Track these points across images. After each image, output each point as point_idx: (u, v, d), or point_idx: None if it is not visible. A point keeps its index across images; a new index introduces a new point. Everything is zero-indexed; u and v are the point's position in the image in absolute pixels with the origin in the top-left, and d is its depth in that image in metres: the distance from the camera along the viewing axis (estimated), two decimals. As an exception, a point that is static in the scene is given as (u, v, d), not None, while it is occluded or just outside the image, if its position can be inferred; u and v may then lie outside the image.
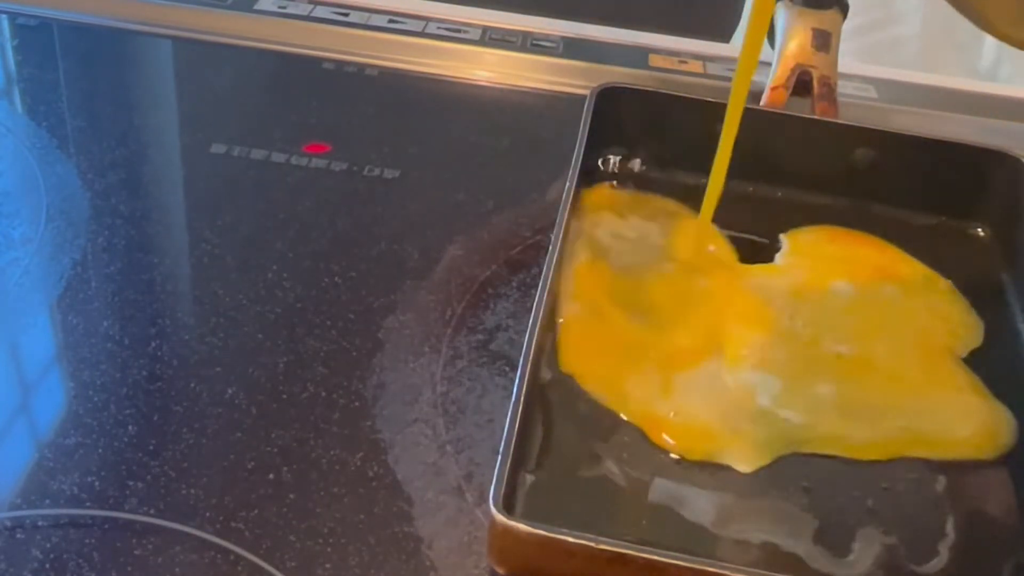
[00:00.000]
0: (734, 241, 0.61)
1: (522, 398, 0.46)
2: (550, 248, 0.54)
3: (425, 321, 0.56)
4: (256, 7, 0.77)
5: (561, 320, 0.54)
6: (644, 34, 0.80)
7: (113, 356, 0.52)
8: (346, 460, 0.48)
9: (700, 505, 0.47)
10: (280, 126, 0.69)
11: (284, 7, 0.78)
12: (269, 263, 0.58)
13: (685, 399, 0.52)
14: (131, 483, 0.47)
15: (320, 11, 0.78)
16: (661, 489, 0.48)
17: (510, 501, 0.44)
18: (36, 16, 0.76)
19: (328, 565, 0.44)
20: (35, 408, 0.51)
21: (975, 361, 0.56)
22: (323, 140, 0.67)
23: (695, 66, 0.77)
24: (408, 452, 0.49)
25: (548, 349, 0.53)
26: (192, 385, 0.51)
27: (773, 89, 0.67)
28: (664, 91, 0.66)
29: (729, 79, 0.74)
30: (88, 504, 0.46)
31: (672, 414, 0.51)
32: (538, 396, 0.51)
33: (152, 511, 0.46)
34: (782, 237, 0.62)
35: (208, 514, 0.46)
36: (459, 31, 0.78)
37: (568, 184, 0.57)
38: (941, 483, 0.50)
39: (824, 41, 0.67)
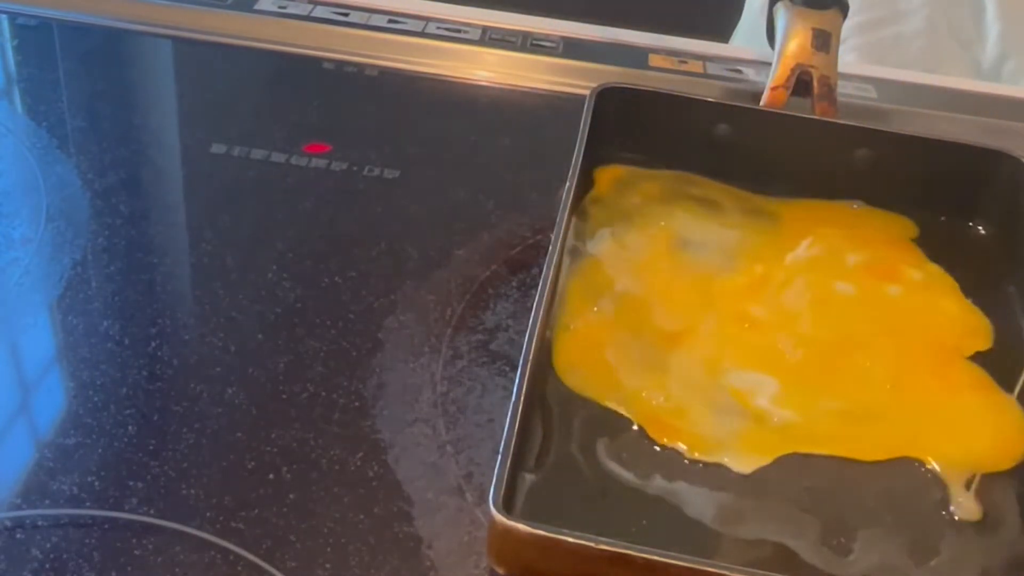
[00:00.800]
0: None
1: (522, 398, 0.46)
2: (550, 248, 0.54)
3: (425, 321, 0.56)
4: (256, 7, 0.77)
5: (551, 332, 0.54)
6: (644, 34, 0.80)
7: (113, 356, 0.52)
8: (346, 460, 0.48)
9: (700, 505, 0.47)
10: (280, 126, 0.69)
11: (284, 7, 0.78)
12: (269, 263, 0.58)
13: (685, 399, 0.52)
14: (131, 483, 0.47)
15: (320, 11, 0.78)
16: (661, 489, 0.48)
17: (510, 501, 0.44)
18: (36, 16, 0.76)
19: (328, 565, 0.44)
20: (35, 408, 0.51)
21: (978, 360, 0.55)
22: (323, 140, 0.67)
23: (695, 66, 0.77)
24: (408, 452, 0.49)
25: (547, 351, 0.53)
26: (192, 385, 0.51)
27: (773, 89, 0.67)
28: (664, 91, 0.66)
29: (729, 79, 0.75)
30: (88, 504, 0.46)
31: (672, 414, 0.51)
32: (538, 396, 0.50)
33: (152, 511, 0.46)
34: (783, 237, 0.62)
35: (208, 514, 0.46)
36: (459, 31, 0.78)
37: (568, 184, 0.57)
38: (941, 483, 0.50)
39: (824, 41, 0.67)
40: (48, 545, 0.44)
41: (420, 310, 0.56)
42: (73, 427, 0.49)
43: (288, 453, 0.49)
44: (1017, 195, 0.62)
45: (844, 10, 0.69)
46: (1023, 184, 0.61)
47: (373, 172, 0.65)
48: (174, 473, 0.47)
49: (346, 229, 0.62)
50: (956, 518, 0.48)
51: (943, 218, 0.64)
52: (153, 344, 0.53)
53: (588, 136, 0.60)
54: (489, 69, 0.76)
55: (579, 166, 0.59)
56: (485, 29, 0.78)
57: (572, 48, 0.77)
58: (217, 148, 0.66)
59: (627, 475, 0.48)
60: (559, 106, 0.73)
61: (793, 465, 0.50)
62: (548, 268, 0.52)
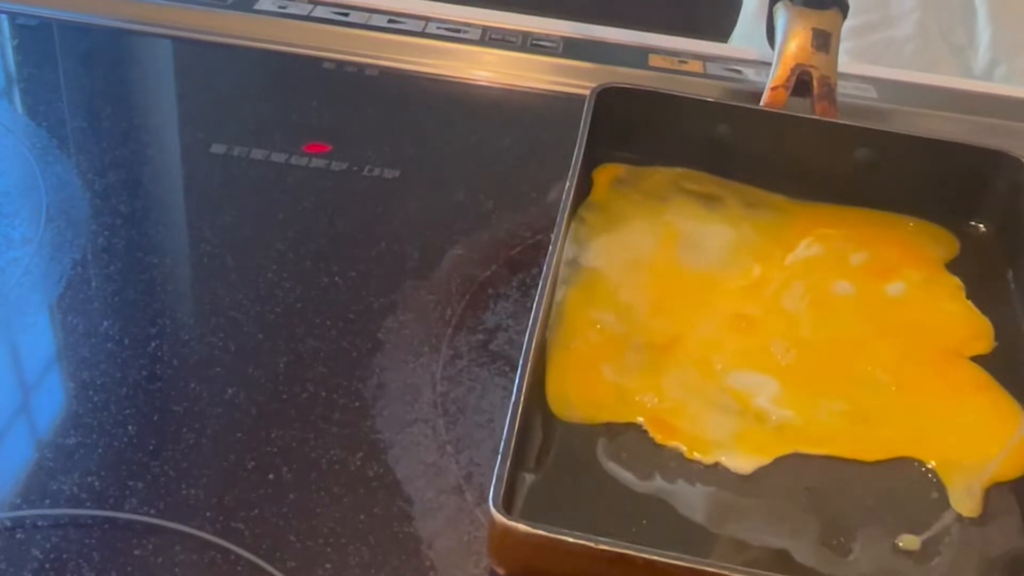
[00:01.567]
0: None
1: (522, 398, 0.46)
2: (550, 248, 0.54)
3: (425, 321, 0.56)
4: (256, 7, 0.77)
5: (548, 349, 0.53)
6: (644, 34, 0.80)
7: (113, 356, 0.52)
8: (346, 460, 0.48)
9: (700, 505, 0.47)
10: (280, 126, 0.69)
11: (284, 7, 0.78)
12: (269, 263, 0.58)
13: (685, 400, 0.52)
14: (131, 483, 0.47)
15: (320, 11, 0.78)
16: (661, 489, 0.48)
17: (510, 501, 0.44)
18: (36, 16, 0.76)
19: (328, 565, 0.44)
20: (35, 408, 0.51)
21: (979, 361, 0.55)
22: (323, 140, 0.67)
23: (695, 66, 0.77)
24: (408, 452, 0.49)
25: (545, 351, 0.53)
26: (192, 385, 0.51)
27: (773, 89, 0.67)
28: (664, 91, 0.66)
29: (729, 79, 0.75)
30: (88, 504, 0.46)
31: (672, 415, 0.51)
32: (538, 396, 0.50)
33: (152, 511, 0.46)
34: (784, 236, 0.62)
35: (208, 514, 0.46)
36: (459, 31, 0.78)
37: (568, 184, 0.57)
38: (941, 483, 0.50)
39: (824, 41, 0.67)
40: (48, 545, 0.44)
41: (420, 310, 0.56)
42: (73, 427, 0.49)
43: (288, 453, 0.49)
44: (1017, 195, 0.62)
45: (844, 10, 0.69)
46: (1023, 184, 0.61)
47: (373, 172, 0.65)
48: (174, 473, 0.47)
49: (346, 229, 0.62)
50: (956, 518, 0.48)
51: (943, 218, 0.64)
52: (153, 344, 0.53)
53: (588, 136, 0.60)
54: (489, 69, 0.76)
55: (579, 166, 0.59)
56: (485, 29, 0.78)
57: (572, 48, 0.77)
58: (217, 148, 0.66)
59: (627, 475, 0.48)
60: (559, 106, 0.73)
61: (793, 465, 0.50)
62: (548, 268, 0.52)
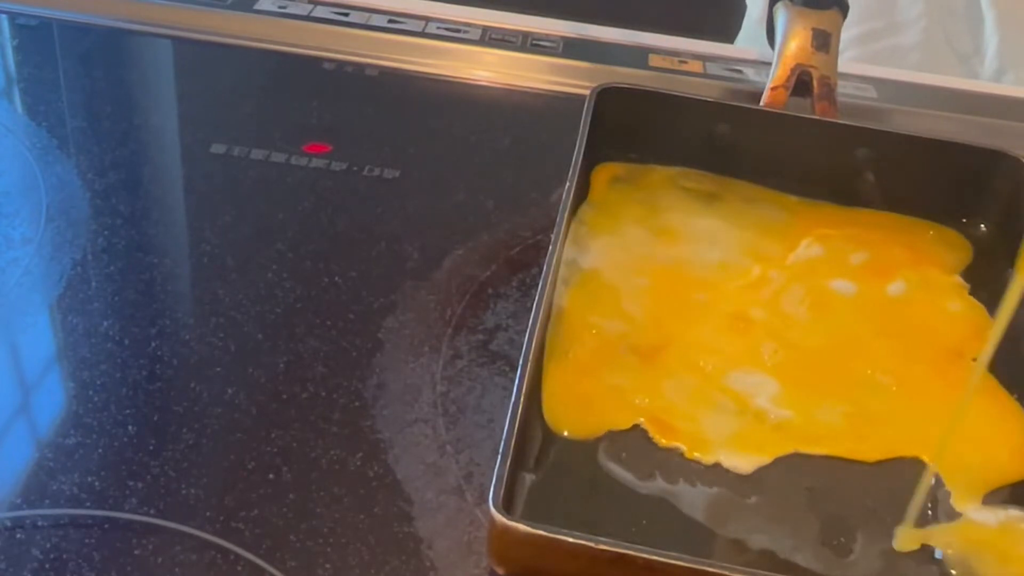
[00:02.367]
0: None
1: (522, 398, 0.46)
2: (550, 248, 0.54)
3: (425, 321, 0.56)
4: (256, 7, 0.77)
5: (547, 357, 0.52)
6: (644, 34, 0.80)
7: (113, 356, 0.52)
8: (346, 460, 0.48)
9: (700, 505, 0.47)
10: (280, 126, 0.69)
11: (284, 7, 0.78)
12: (269, 263, 0.58)
13: (685, 400, 0.52)
14: (131, 483, 0.47)
15: (320, 11, 0.78)
16: (661, 489, 0.48)
17: (510, 501, 0.44)
18: (36, 16, 0.76)
19: (328, 565, 0.44)
20: (35, 408, 0.51)
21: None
22: (323, 140, 0.67)
23: (695, 66, 0.77)
24: (408, 452, 0.49)
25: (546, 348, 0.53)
26: (192, 385, 0.51)
27: (773, 89, 0.67)
28: (664, 91, 0.66)
29: (729, 79, 0.75)
30: (88, 504, 0.46)
31: (672, 415, 0.51)
32: (538, 397, 0.50)
33: (152, 511, 0.46)
34: (784, 236, 0.62)
35: (208, 514, 0.46)
36: (459, 31, 0.78)
37: (568, 184, 0.57)
38: (942, 482, 0.50)
39: (824, 41, 0.67)
40: (48, 545, 0.44)
41: (420, 310, 0.56)
42: (73, 427, 0.49)
43: (288, 453, 0.49)
44: (1017, 195, 0.62)
45: (844, 10, 0.69)
46: (1023, 184, 0.61)
47: (373, 172, 0.65)
48: (174, 473, 0.47)
49: (346, 229, 0.62)
50: (956, 518, 0.48)
51: (943, 218, 0.64)
52: (153, 344, 0.53)
53: (588, 136, 0.60)
54: (489, 69, 0.76)
55: (579, 166, 0.59)
56: (485, 29, 0.78)
57: (572, 48, 0.77)
58: (217, 148, 0.66)
59: (627, 475, 0.48)
60: (559, 106, 0.73)
61: (793, 465, 0.50)
62: (548, 268, 0.52)
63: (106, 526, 0.45)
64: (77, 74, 0.73)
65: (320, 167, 0.65)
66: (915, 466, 0.50)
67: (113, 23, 0.76)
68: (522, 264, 0.60)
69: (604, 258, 0.58)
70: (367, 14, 0.78)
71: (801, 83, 0.67)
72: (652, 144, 0.65)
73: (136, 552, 0.44)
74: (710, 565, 0.41)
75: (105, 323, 0.54)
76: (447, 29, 0.77)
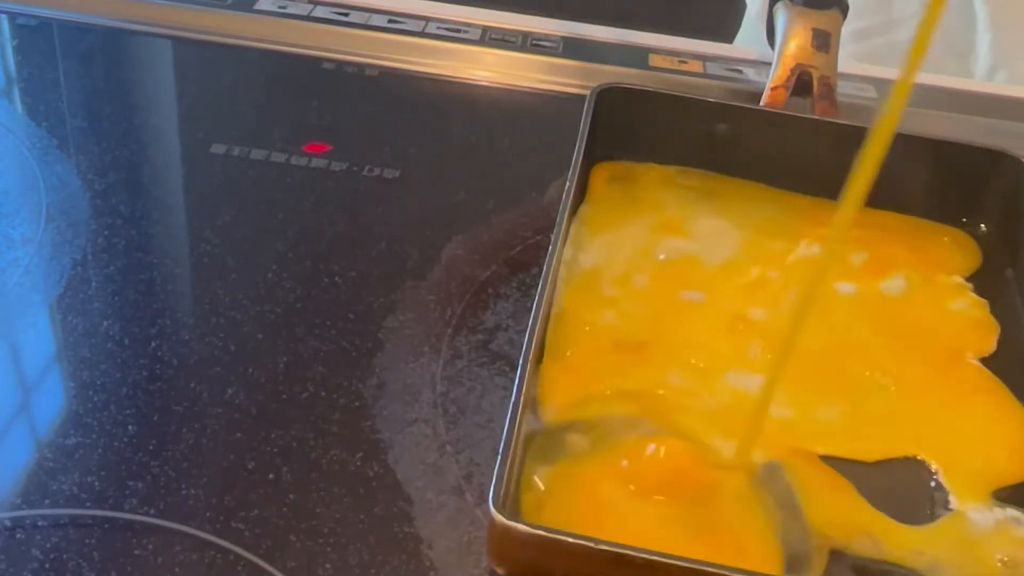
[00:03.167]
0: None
1: (522, 398, 0.46)
2: (550, 248, 0.54)
3: (425, 321, 0.56)
4: (256, 7, 0.77)
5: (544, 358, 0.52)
6: (644, 34, 0.80)
7: (113, 356, 0.52)
8: (346, 460, 0.48)
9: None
10: (280, 126, 0.69)
11: (284, 7, 0.78)
12: (269, 263, 0.58)
13: (684, 399, 0.52)
14: (131, 483, 0.47)
15: (320, 11, 0.78)
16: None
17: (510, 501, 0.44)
18: (36, 16, 0.76)
19: (328, 565, 0.44)
20: (35, 408, 0.51)
21: (982, 361, 0.55)
22: (323, 140, 0.67)
23: (695, 66, 0.77)
24: (408, 452, 0.49)
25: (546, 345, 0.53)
26: (192, 385, 0.51)
27: (773, 89, 0.67)
28: (664, 91, 0.66)
29: (729, 79, 0.75)
30: (88, 504, 0.46)
31: (671, 414, 0.51)
32: (538, 396, 0.50)
33: (152, 511, 0.46)
34: (783, 235, 0.61)
35: (208, 514, 0.46)
36: (459, 31, 0.78)
37: (568, 184, 0.57)
38: (942, 482, 0.50)
39: (824, 41, 0.67)
40: (48, 545, 0.44)
41: (420, 310, 0.56)
42: (73, 427, 0.49)
43: (288, 453, 0.49)
44: (1017, 195, 0.62)
45: (844, 10, 0.69)
46: (1023, 184, 0.61)
47: (373, 172, 0.65)
48: (174, 473, 0.47)
49: (346, 229, 0.62)
50: (957, 518, 0.48)
51: (943, 218, 0.64)
52: (153, 344, 0.53)
53: (588, 136, 0.61)
54: (489, 69, 0.76)
55: (579, 166, 0.59)
56: (485, 29, 0.78)
57: (572, 48, 0.77)
58: (217, 148, 0.66)
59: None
60: (559, 106, 0.73)
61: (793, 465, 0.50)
62: (548, 268, 0.52)
63: (106, 526, 0.45)
64: (77, 74, 0.73)
65: (320, 167, 0.65)
66: (915, 466, 0.50)
67: (113, 23, 0.76)
68: (522, 264, 0.60)
69: (604, 257, 0.58)
70: (367, 14, 0.78)
71: (801, 83, 0.67)
72: (652, 144, 0.65)
73: (136, 552, 0.44)
74: (710, 565, 0.41)
75: (105, 323, 0.54)
76: (447, 29, 0.77)
